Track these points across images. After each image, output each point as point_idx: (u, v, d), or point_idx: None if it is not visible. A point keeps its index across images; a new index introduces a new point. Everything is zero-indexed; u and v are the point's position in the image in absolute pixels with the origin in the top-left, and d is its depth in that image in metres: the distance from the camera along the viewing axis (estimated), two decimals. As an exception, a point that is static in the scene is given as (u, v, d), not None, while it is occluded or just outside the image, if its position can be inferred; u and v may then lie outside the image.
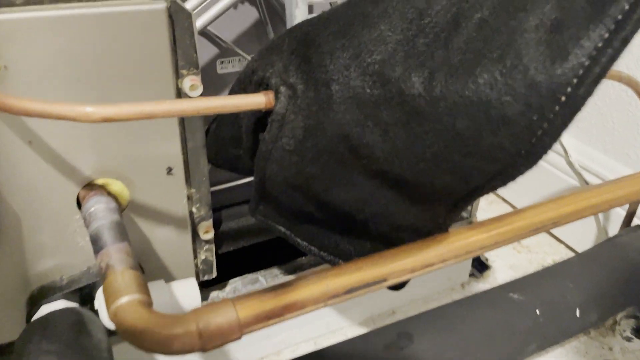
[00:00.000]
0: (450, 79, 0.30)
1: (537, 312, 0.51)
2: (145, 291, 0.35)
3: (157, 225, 0.49)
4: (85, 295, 0.48)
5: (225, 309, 0.33)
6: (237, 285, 0.63)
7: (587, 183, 0.85)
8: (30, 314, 0.46)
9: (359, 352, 0.44)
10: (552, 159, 0.89)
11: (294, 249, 0.71)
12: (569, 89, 0.28)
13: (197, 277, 0.56)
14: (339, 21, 0.35)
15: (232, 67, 0.57)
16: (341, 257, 0.45)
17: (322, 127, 0.34)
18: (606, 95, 0.80)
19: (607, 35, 0.27)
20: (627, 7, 0.27)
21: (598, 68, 0.27)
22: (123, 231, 0.39)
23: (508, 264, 0.84)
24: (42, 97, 0.38)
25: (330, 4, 0.57)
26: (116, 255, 0.37)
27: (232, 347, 0.64)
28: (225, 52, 0.56)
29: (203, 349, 0.33)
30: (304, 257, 0.68)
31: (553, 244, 0.90)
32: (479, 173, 0.32)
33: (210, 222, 0.53)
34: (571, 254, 0.87)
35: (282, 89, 0.35)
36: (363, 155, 0.34)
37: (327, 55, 0.33)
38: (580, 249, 0.86)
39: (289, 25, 0.51)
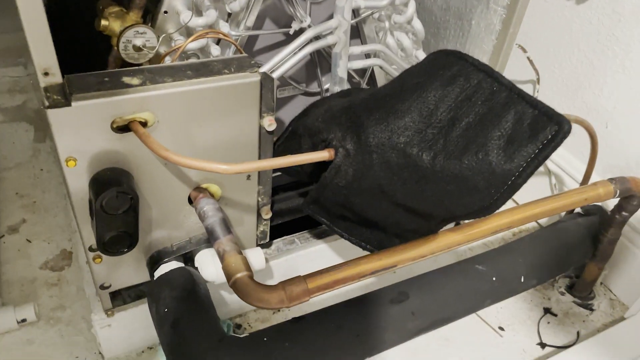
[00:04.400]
0: (447, 160, 0.50)
1: (494, 278, 0.74)
2: (249, 269, 0.56)
3: (236, 211, 0.70)
4: (187, 258, 0.70)
5: (300, 283, 0.55)
6: (279, 244, 0.86)
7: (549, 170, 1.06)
8: (153, 269, 0.68)
9: (372, 304, 0.67)
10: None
11: (317, 223, 0.92)
12: (512, 178, 0.48)
13: (256, 242, 0.78)
14: (379, 110, 0.54)
15: (288, 92, 0.75)
16: (366, 242, 0.67)
17: (365, 176, 0.54)
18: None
19: (537, 150, 0.47)
20: (549, 136, 0.47)
21: (529, 169, 0.48)
22: (229, 225, 0.61)
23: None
24: (178, 139, 0.58)
25: (365, 55, 0.75)
26: (228, 244, 0.58)
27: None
28: (283, 82, 0.74)
29: (288, 306, 0.55)
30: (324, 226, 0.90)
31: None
32: (460, 212, 0.53)
33: (269, 207, 0.74)
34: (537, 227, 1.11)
35: (341, 150, 0.55)
36: (389, 194, 0.55)
37: (370, 135, 0.53)
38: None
39: (333, 69, 0.70)
